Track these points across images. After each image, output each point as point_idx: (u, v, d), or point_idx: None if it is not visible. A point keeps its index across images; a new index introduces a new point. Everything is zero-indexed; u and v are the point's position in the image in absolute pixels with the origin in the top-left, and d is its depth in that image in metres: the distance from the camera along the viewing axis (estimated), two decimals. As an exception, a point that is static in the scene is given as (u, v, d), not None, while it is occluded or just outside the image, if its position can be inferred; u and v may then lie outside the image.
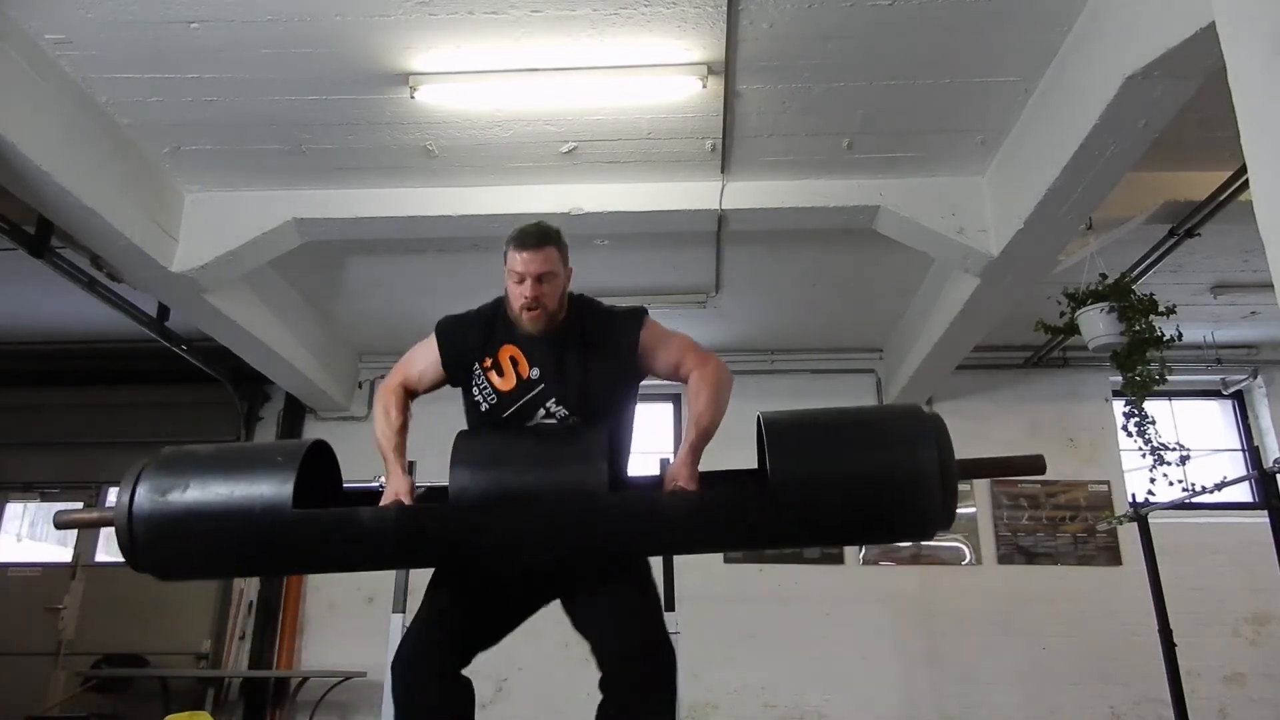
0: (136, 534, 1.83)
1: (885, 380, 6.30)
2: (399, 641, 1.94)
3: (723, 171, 4.05)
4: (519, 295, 2.07)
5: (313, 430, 6.43)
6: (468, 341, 2.16)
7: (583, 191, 4.13)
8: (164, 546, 1.86)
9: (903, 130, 3.79)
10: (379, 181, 4.13)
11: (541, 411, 2.06)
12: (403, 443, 2.09)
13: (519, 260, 2.06)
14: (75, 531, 6.32)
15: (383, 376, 6.47)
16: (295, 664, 5.88)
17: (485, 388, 2.10)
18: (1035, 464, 1.95)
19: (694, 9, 3.09)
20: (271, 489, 1.82)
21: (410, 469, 3.58)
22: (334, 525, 1.89)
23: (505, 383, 2.08)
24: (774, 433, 1.87)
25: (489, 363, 2.11)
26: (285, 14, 3.11)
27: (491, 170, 4.04)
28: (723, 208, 4.10)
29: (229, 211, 4.20)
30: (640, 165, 4.01)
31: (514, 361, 2.10)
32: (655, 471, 3.61)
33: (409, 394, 2.19)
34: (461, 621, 1.95)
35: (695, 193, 4.11)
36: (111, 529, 1.87)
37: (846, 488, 1.79)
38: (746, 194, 4.11)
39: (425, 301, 5.59)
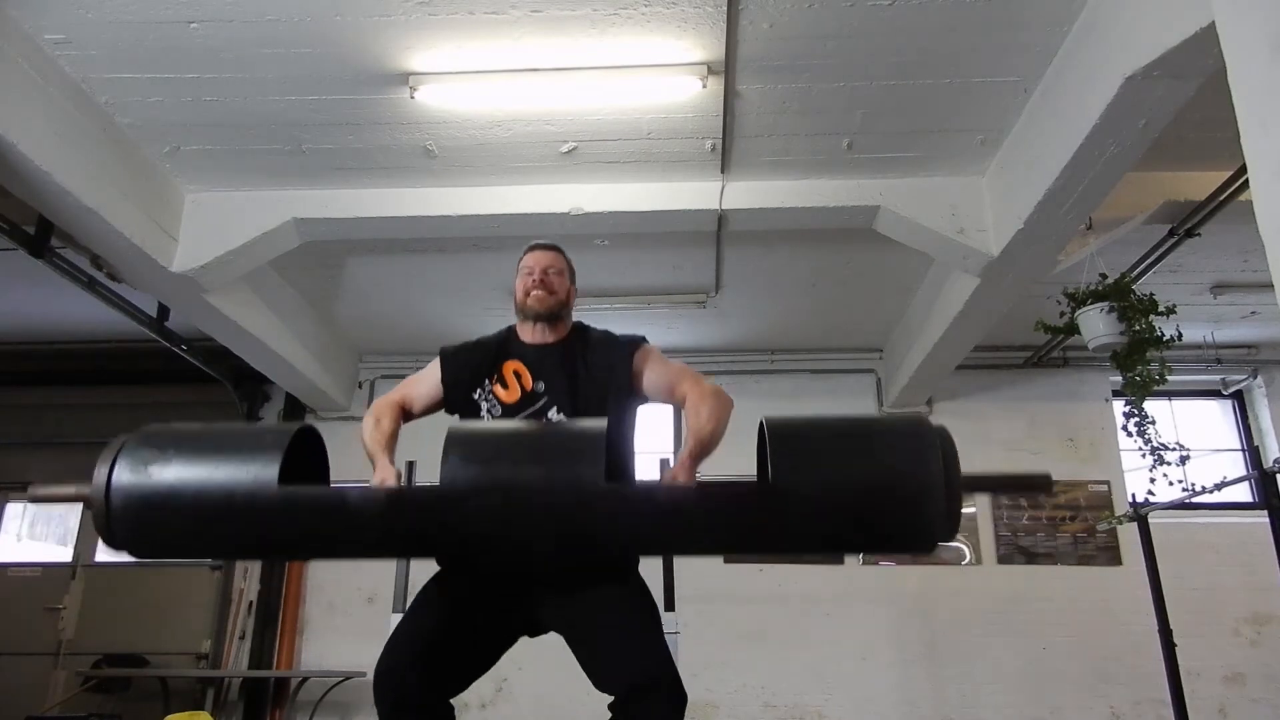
0: (114, 510, 1.75)
1: (885, 380, 6.30)
2: (381, 653, 1.90)
3: (723, 171, 4.05)
4: (526, 282, 2.21)
5: (313, 430, 6.43)
6: (471, 366, 2.20)
7: (583, 191, 4.13)
8: (141, 524, 1.79)
9: (903, 130, 3.78)
10: (379, 181, 4.13)
11: (545, 421, 2.09)
12: (392, 445, 2.06)
13: (530, 259, 2.26)
14: (75, 531, 6.34)
15: (383, 376, 6.50)
16: (295, 664, 5.88)
17: (492, 403, 2.14)
18: (1041, 482, 1.91)
19: (694, 9, 3.09)
20: (256, 468, 1.75)
21: (410, 469, 3.61)
22: (317, 504, 1.82)
23: (510, 395, 2.13)
24: (777, 436, 1.81)
25: (494, 379, 2.17)
26: (285, 14, 3.11)
27: (491, 170, 4.04)
28: (723, 208, 4.10)
29: (229, 211, 4.20)
30: (640, 165, 4.01)
31: (518, 375, 2.16)
32: (655, 470, 3.62)
33: (403, 412, 2.19)
34: (444, 646, 1.91)
35: (695, 193, 4.11)
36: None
37: (850, 493, 1.74)
38: (746, 194, 4.11)
39: (425, 301, 5.60)
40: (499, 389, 2.14)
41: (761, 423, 1.90)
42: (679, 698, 1.82)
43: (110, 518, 1.76)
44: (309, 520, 1.82)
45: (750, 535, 1.96)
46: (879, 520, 1.75)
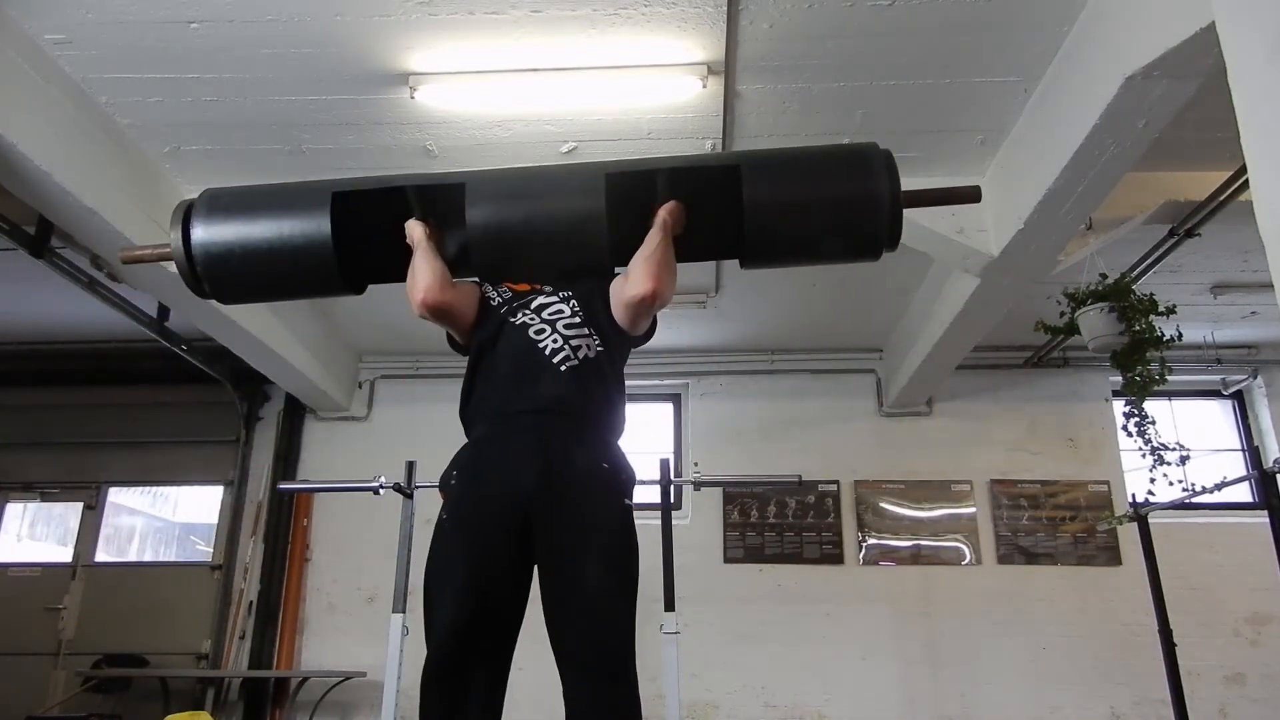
0: (197, 263, 2.03)
1: (885, 380, 6.29)
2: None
3: (723, 171, 4.04)
4: None
5: (313, 430, 6.44)
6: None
7: (583, 191, 4.12)
8: (220, 270, 2.06)
9: (903, 130, 3.78)
10: (379, 181, 4.13)
11: (543, 297, 2.23)
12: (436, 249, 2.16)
13: None
14: (75, 531, 6.34)
15: (383, 376, 6.50)
16: (295, 664, 5.88)
17: (503, 289, 2.29)
18: (972, 194, 2.16)
19: (694, 9, 3.09)
20: (309, 207, 2.01)
21: (411, 470, 3.61)
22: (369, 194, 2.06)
23: (520, 287, 2.30)
24: (751, 160, 2.04)
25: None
26: (285, 14, 3.11)
27: (491, 170, 4.04)
28: (723, 208, 4.10)
29: (229, 211, 4.20)
30: (640, 165, 4.00)
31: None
32: (655, 470, 3.62)
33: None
34: (478, 617, 1.98)
35: (695, 193, 4.10)
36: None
37: (813, 201, 1.99)
38: (746, 194, 4.10)
39: (425, 301, 5.60)
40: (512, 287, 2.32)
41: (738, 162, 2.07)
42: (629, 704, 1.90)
43: (194, 271, 2.03)
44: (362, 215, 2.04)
45: (726, 230, 2.09)
46: (837, 225, 2.00)
